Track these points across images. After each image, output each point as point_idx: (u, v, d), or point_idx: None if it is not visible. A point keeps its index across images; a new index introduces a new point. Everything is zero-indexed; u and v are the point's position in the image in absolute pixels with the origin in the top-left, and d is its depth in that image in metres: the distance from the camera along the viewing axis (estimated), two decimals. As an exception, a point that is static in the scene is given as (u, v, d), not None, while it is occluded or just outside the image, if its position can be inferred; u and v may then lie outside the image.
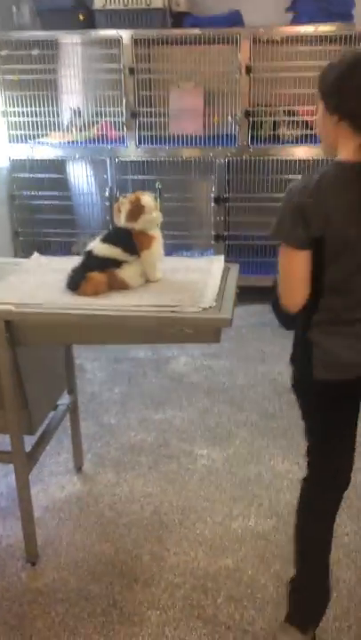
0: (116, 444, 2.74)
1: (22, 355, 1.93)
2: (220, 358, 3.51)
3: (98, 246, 1.95)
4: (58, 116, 4.21)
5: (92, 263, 1.92)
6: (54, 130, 4.29)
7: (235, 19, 3.93)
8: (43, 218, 4.38)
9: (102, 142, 4.18)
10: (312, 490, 1.74)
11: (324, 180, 1.48)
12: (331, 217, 1.47)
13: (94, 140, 4.23)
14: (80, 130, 4.30)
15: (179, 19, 3.98)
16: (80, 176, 4.49)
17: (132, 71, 3.91)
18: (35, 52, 4.12)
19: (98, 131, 4.29)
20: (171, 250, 4.52)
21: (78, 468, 2.56)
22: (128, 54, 3.89)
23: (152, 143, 4.08)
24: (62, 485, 2.46)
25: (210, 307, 1.78)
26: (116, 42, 3.89)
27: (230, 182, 4.14)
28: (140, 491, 2.43)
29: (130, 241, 1.93)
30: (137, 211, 1.91)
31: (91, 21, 3.99)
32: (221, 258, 2.20)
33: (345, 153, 1.50)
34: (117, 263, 1.92)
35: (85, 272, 1.89)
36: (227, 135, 4.04)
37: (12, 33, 4.05)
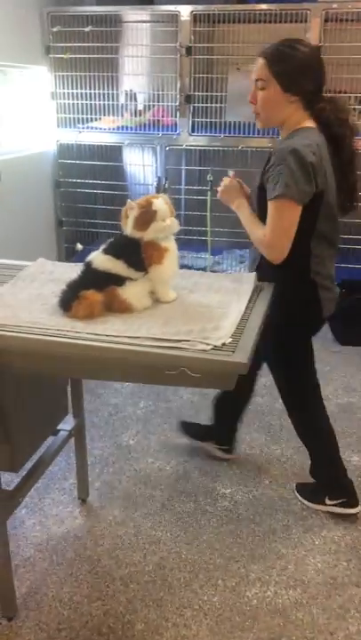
0: (130, 471, 2.39)
1: (6, 379, 1.60)
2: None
3: (98, 258, 1.58)
4: (110, 99, 3.86)
5: (90, 279, 1.56)
6: (106, 114, 3.94)
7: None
8: (89, 207, 4.06)
9: (154, 129, 3.80)
10: (311, 406, 2.13)
11: (318, 140, 1.77)
12: (327, 172, 1.79)
13: (146, 126, 3.85)
14: (132, 115, 3.93)
15: (244, -7, 3.52)
16: (131, 164, 4.14)
17: (189, 51, 3.50)
18: (88, 28, 3.77)
19: (151, 116, 3.91)
20: (222, 248, 4.14)
21: (82, 500, 2.23)
22: (186, 32, 3.47)
23: (206, 131, 3.65)
24: (62, 519, 2.14)
25: (223, 344, 1.38)
26: (174, 18, 3.48)
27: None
28: (147, 535, 2.07)
29: (136, 253, 1.55)
30: (147, 217, 1.53)
31: (148, -4, 3.60)
32: (253, 277, 1.78)
33: (304, 123, 1.81)
34: (120, 280, 1.55)
35: (80, 289, 1.53)
36: (289, 124, 3.56)
37: (65, 8, 3.72)
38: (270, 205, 1.76)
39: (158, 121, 3.87)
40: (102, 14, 3.61)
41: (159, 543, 2.03)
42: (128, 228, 1.56)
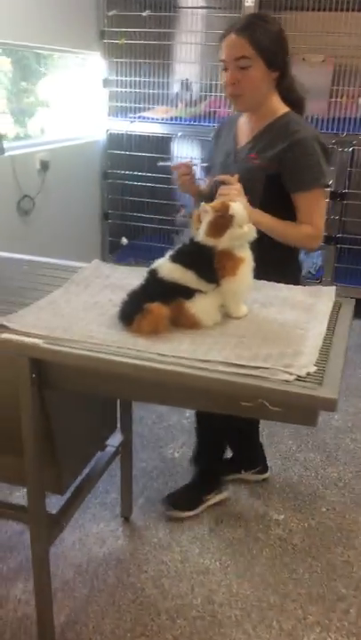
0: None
1: (57, 398, 1.45)
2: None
3: (165, 266, 1.40)
4: (164, 87, 3.67)
5: (155, 289, 1.38)
6: (159, 104, 3.76)
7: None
8: (136, 201, 3.89)
9: (209, 121, 3.60)
10: None
11: None
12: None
13: (201, 117, 3.66)
14: (187, 105, 3.75)
15: (313, -22, 3.29)
16: (184, 158, 3.95)
17: (250, 39, 3.28)
18: (146, 12, 3.58)
19: (206, 107, 3.72)
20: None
21: (125, 518, 2.07)
22: (249, 19, 3.25)
23: (265, 125, 3.44)
24: (103, 538, 1.99)
25: (308, 373, 1.19)
26: (238, 4, 3.27)
27: (352, 176, 3.44)
28: (195, 562, 1.90)
29: (209, 263, 1.37)
30: (224, 223, 1.35)
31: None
32: (332, 292, 1.59)
33: (282, 105, 1.79)
34: (189, 292, 1.37)
35: (144, 301, 1.36)
36: (355, 120, 3.33)
37: (122, -10, 3.54)
38: (310, 196, 1.76)
39: (214, 112, 3.67)
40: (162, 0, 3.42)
41: (208, 573, 1.87)
42: (200, 234, 1.37)
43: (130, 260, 3.70)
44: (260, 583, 1.83)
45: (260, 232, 1.56)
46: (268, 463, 2.32)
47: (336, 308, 1.53)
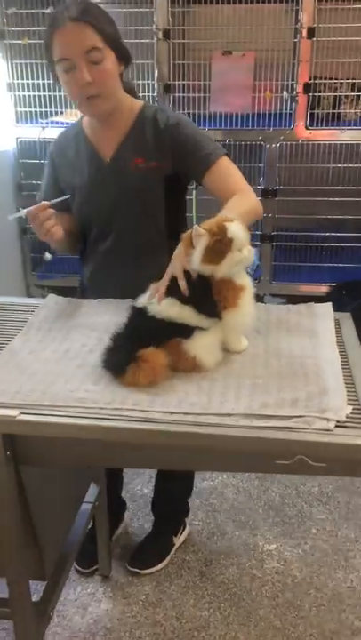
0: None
1: (32, 472, 1.19)
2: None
3: (155, 302, 1.19)
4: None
5: (147, 331, 1.16)
6: (70, 107, 3.47)
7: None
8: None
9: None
10: None
11: None
12: None
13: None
14: (101, 106, 3.49)
15: (225, -32, 3.13)
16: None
17: (166, 34, 3.07)
18: (49, 10, 3.28)
19: (122, 108, 3.47)
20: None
21: (104, 576, 1.83)
22: (163, 13, 3.04)
23: (188, 124, 3.25)
24: (84, 605, 1.74)
25: (347, 415, 1.02)
26: (148, -3, 3.05)
27: (282, 171, 3.33)
28: (192, 616, 1.70)
29: (208, 295, 1.17)
30: (222, 247, 1.14)
31: (117, -28, 3.14)
32: (328, 308, 1.44)
33: (132, 99, 1.55)
34: (187, 330, 1.16)
35: (135, 346, 1.14)
36: (280, 114, 3.22)
37: (20, -14, 3.22)
38: (222, 163, 1.50)
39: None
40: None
41: (209, 627, 1.67)
42: (195, 262, 1.16)
43: (57, 277, 3.41)
44: (267, 630, 1.66)
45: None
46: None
47: (338, 327, 1.38)
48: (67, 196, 1.53)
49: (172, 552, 1.90)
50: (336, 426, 1.00)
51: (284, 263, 3.48)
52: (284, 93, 3.19)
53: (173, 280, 1.19)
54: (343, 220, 3.39)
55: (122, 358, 1.13)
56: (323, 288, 3.44)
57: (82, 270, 1.71)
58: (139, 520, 2.04)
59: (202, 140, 1.50)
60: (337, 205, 3.37)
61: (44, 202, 1.41)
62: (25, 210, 1.43)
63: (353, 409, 1.04)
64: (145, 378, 1.11)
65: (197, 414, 1.03)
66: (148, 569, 1.84)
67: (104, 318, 1.39)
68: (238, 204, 1.39)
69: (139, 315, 1.19)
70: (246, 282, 1.20)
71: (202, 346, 1.16)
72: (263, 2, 2.96)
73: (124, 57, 1.45)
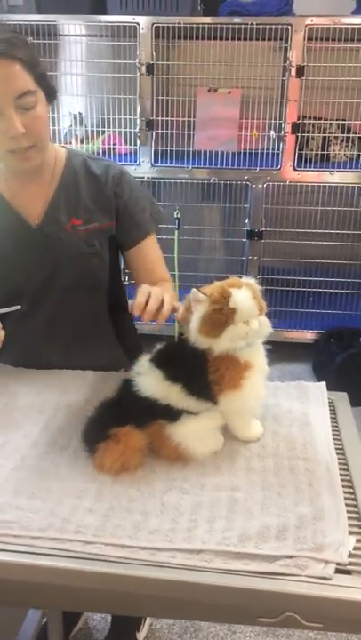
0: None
1: None
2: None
3: (143, 375, 0.97)
4: (54, 123, 3.19)
5: (129, 406, 0.96)
6: (49, 141, 3.27)
7: (282, 6, 2.91)
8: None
9: (110, 158, 3.17)
10: None
11: None
12: None
13: (100, 154, 3.21)
14: (81, 141, 3.29)
15: (212, 4, 2.98)
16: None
17: (150, 69, 2.90)
18: (28, 40, 3.10)
19: (104, 143, 3.28)
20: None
21: None
22: (147, 47, 2.86)
23: (172, 161, 3.06)
24: None
25: (349, 553, 0.78)
26: (132, 31, 2.87)
27: (268, 213, 3.14)
28: None
29: (201, 374, 0.94)
30: (222, 318, 0.92)
31: (100, 5, 2.96)
32: (322, 389, 1.20)
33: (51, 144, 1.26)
34: (173, 412, 0.94)
35: (114, 423, 0.93)
36: (267, 154, 3.04)
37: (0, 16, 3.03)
38: (154, 237, 1.33)
39: (112, 149, 3.25)
40: (43, 24, 2.95)
41: None
42: (191, 332, 0.94)
43: None
44: None
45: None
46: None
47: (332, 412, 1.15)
48: (17, 307, 1.18)
49: None
50: (336, 570, 0.75)
51: (269, 308, 3.26)
52: (272, 132, 3.02)
53: (165, 349, 0.99)
54: (332, 264, 3.19)
55: (96, 433, 0.94)
56: (309, 335, 3.23)
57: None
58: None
59: (142, 200, 1.30)
60: (325, 249, 3.18)
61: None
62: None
63: (356, 540, 0.80)
64: (112, 462, 0.90)
65: (156, 549, 0.78)
66: None
67: (53, 396, 1.15)
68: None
69: (125, 387, 0.99)
70: (256, 359, 0.97)
71: (189, 432, 0.94)
72: (251, 39, 2.80)
73: (51, 95, 1.18)
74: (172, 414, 0.94)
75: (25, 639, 1.36)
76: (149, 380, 0.97)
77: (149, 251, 1.30)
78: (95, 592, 0.78)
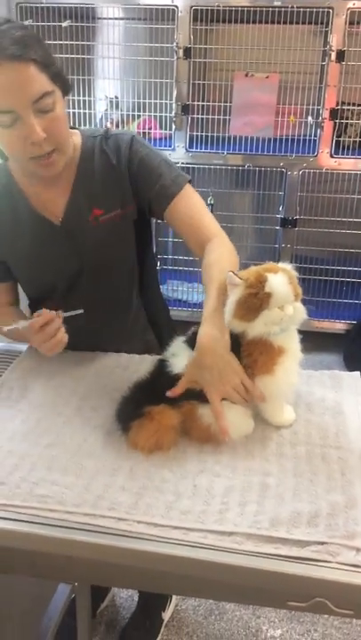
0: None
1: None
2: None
3: (176, 356, 1.00)
4: (89, 107, 3.20)
5: (163, 386, 0.97)
6: (84, 124, 3.28)
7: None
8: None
9: (144, 142, 3.16)
10: None
11: None
12: None
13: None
14: (116, 125, 3.29)
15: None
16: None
17: (187, 53, 2.88)
18: (65, 23, 3.10)
19: (139, 127, 3.28)
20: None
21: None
22: (185, 31, 2.84)
23: (206, 146, 3.04)
24: None
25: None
26: (170, 14, 2.85)
27: (303, 200, 3.11)
28: None
29: (236, 355, 0.96)
30: (257, 302, 0.92)
31: (138, -13, 2.95)
32: (357, 378, 1.19)
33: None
34: (205, 394, 0.95)
35: (148, 401, 0.96)
36: (304, 140, 2.99)
37: (38, -1, 3.04)
38: (189, 191, 1.20)
39: (148, 134, 3.24)
40: (82, 7, 2.95)
41: None
42: (226, 315, 0.96)
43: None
44: None
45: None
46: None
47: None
48: (80, 310, 1.15)
49: (161, 630, 1.65)
50: (365, 555, 0.75)
51: (308, 297, 3.24)
52: (309, 118, 2.97)
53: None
54: (367, 254, 3.15)
55: (130, 412, 0.96)
56: (340, 325, 3.20)
57: None
58: (128, 590, 1.79)
59: (160, 164, 1.19)
60: (360, 238, 3.14)
61: (51, 312, 1.11)
62: (26, 322, 1.11)
63: (388, 531, 0.80)
64: (146, 440, 0.92)
65: (188, 529, 0.79)
66: None
67: (88, 378, 1.16)
68: (222, 271, 1.04)
69: (159, 367, 1.01)
70: (290, 345, 0.97)
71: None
72: (290, 22, 2.75)
73: (66, 89, 1.11)
74: (204, 396, 0.95)
75: (54, 613, 1.39)
76: (183, 360, 0.99)
77: (185, 209, 1.20)
78: (126, 568, 0.80)
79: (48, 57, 1.04)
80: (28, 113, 1.01)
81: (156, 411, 0.95)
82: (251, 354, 0.94)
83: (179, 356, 0.99)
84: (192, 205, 1.20)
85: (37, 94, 1.01)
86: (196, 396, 0.95)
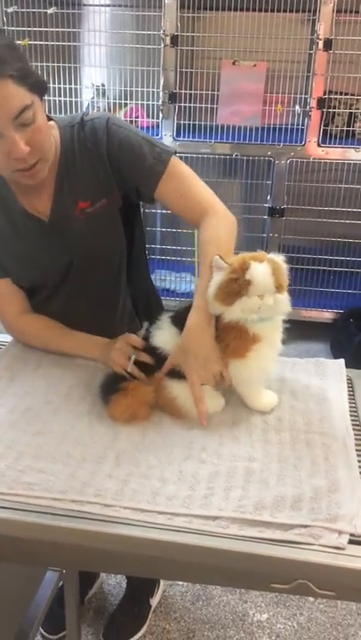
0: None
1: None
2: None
3: (161, 330, 1.06)
4: (76, 95, 3.18)
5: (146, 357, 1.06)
6: (71, 112, 3.26)
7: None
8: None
9: (131, 131, 3.15)
10: None
11: None
12: None
13: (120, 127, 3.19)
14: (103, 113, 3.27)
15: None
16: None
17: (174, 40, 2.86)
18: (51, 10, 3.07)
19: (126, 116, 3.26)
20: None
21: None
22: (172, 18, 2.82)
23: (194, 135, 3.04)
24: None
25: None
26: (157, 1, 2.83)
27: (290, 190, 3.12)
28: None
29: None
30: (236, 288, 0.94)
31: (124, -27, 2.93)
32: (340, 366, 1.21)
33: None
34: (179, 370, 1.01)
35: (124, 376, 1.03)
36: (291, 129, 3.00)
37: (22, -16, 3.01)
38: (176, 164, 1.17)
39: (134, 122, 3.23)
40: (68, -7, 2.92)
41: None
42: (208, 296, 0.98)
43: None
44: None
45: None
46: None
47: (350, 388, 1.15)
48: (133, 355, 1.08)
49: (149, 616, 1.67)
50: (350, 541, 0.77)
51: (292, 287, 3.26)
52: (297, 107, 2.98)
53: (185, 310, 1.04)
54: (354, 243, 3.17)
55: (109, 386, 1.02)
56: (328, 314, 3.22)
57: None
58: (116, 577, 1.81)
59: (141, 143, 1.16)
60: (348, 227, 3.15)
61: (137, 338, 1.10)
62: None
63: (367, 513, 0.82)
64: (121, 413, 0.98)
65: (173, 514, 0.80)
66: None
67: (76, 366, 1.17)
68: (219, 244, 1.07)
69: (143, 338, 1.07)
70: (269, 334, 0.99)
71: (184, 388, 0.98)
72: (278, 10, 2.75)
73: (44, 92, 1.08)
74: (178, 374, 1.00)
75: (42, 600, 1.40)
76: (165, 335, 1.04)
77: (173, 188, 1.17)
78: (113, 553, 0.81)
79: (24, 67, 1.01)
80: (10, 130, 1.00)
81: (130, 387, 1.01)
82: (224, 338, 0.98)
83: (162, 330, 1.05)
84: (182, 180, 1.17)
85: (17, 110, 0.99)
86: (171, 374, 1.01)
